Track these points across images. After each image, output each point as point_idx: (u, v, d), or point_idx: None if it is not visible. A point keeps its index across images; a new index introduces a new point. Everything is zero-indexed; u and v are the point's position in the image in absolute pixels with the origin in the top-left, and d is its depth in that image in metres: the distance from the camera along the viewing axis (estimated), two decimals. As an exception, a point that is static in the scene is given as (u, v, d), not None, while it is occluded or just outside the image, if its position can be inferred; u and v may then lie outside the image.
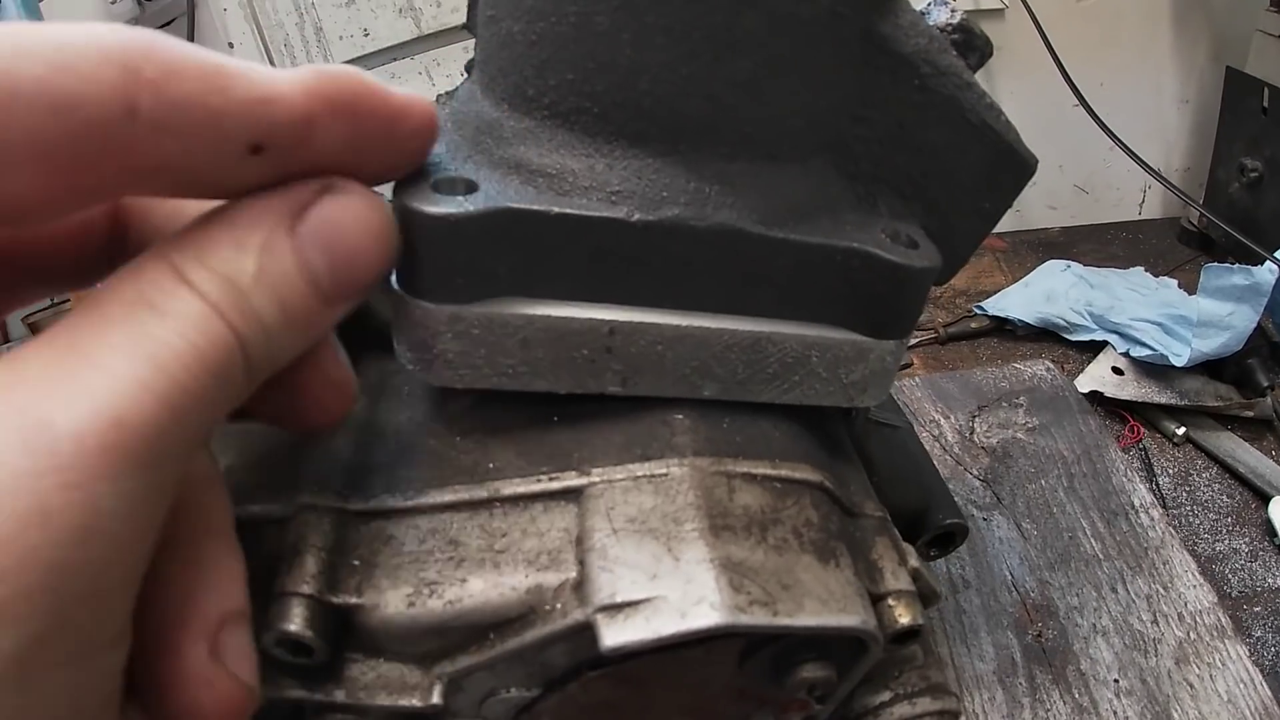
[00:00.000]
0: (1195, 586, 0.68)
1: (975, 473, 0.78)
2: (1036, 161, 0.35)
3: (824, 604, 0.28)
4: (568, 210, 0.28)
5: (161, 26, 1.27)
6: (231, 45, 1.16)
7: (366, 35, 1.13)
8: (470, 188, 0.28)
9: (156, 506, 0.21)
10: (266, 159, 0.23)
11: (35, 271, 0.27)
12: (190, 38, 1.19)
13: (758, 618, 0.27)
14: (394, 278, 0.29)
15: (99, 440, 0.19)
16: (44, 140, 0.20)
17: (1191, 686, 0.61)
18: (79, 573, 0.18)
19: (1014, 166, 0.35)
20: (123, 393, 0.20)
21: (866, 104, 0.33)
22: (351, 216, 0.25)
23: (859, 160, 0.34)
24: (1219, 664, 0.62)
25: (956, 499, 0.49)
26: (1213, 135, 1.24)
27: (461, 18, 1.12)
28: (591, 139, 0.30)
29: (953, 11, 0.36)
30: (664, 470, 0.30)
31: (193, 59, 0.21)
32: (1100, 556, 0.70)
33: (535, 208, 0.28)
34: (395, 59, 1.16)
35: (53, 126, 0.20)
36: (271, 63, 1.14)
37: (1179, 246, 1.29)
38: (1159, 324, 0.97)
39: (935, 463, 0.52)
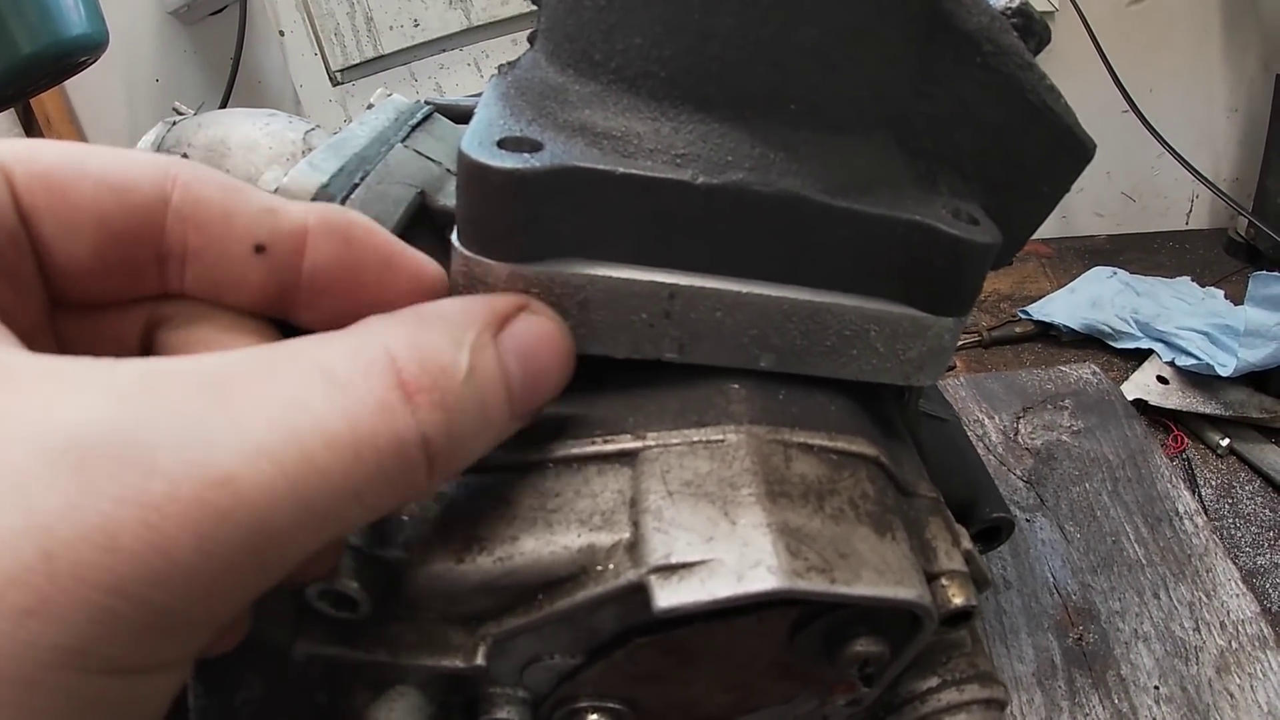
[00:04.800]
0: (1238, 595, 0.67)
1: (1019, 474, 0.77)
2: (1095, 145, 0.35)
3: (881, 575, 0.28)
4: (632, 171, 0.28)
5: (213, 14, 1.28)
6: (282, 33, 1.17)
7: (417, 26, 1.14)
8: (535, 147, 0.28)
9: (253, 575, 0.20)
10: (268, 260, 0.26)
11: None
12: (242, 24, 1.20)
13: (815, 584, 0.26)
14: (455, 234, 0.29)
15: (195, 492, 0.18)
16: (105, 212, 0.24)
17: (1232, 696, 0.60)
18: (137, 603, 0.18)
19: (1072, 149, 0.35)
20: (244, 456, 0.19)
21: (929, 80, 0.33)
22: (545, 335, 0.27)
23: (920, 137, 0.34)
24: (1260, 674, 0.61)
25: (1000, 497, 0.49)
26: (1262, 145, 1.22)
27: (512, 10, 1.14)
28: (658, 103, 0.30)
29: (1011, -3, 0.35)
30: (720, 436, 0.30)
31: (218, 175, 0.26)
32: (1143, 562, 0.69)
33: (600, 167, 0.28)
34: (444, 50, 1.17)
35: (109, 202, 0.24)
36: (321, 51, 1.15)
37: (1226, 257, 1.27)
38: (1205, 333, 0.95)
39: (979, 460, 0.52)
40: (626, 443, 0.30)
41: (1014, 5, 0.35)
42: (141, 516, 0.18)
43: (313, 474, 0.20)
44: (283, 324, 0.28)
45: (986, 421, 0.84)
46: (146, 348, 0.27)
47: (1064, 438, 0.82)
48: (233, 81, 1.24)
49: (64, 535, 0.17)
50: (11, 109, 1.17)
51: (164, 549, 0.18)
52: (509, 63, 0.34)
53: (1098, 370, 0.92)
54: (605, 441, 0.30)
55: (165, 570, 0.18)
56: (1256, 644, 0.63)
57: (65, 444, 0.18)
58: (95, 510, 0.17)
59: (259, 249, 0.26)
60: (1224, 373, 0.89)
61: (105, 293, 0.26)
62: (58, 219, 0.24)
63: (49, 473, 0.18)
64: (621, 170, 0.28)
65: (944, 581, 0.32)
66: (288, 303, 0.27)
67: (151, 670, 0.19)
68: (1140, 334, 1.00)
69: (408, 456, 0.22)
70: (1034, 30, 0.35)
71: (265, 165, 0.41)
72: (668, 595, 0.26)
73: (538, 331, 0.27)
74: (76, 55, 0.84)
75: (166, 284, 0.27)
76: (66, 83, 0.99)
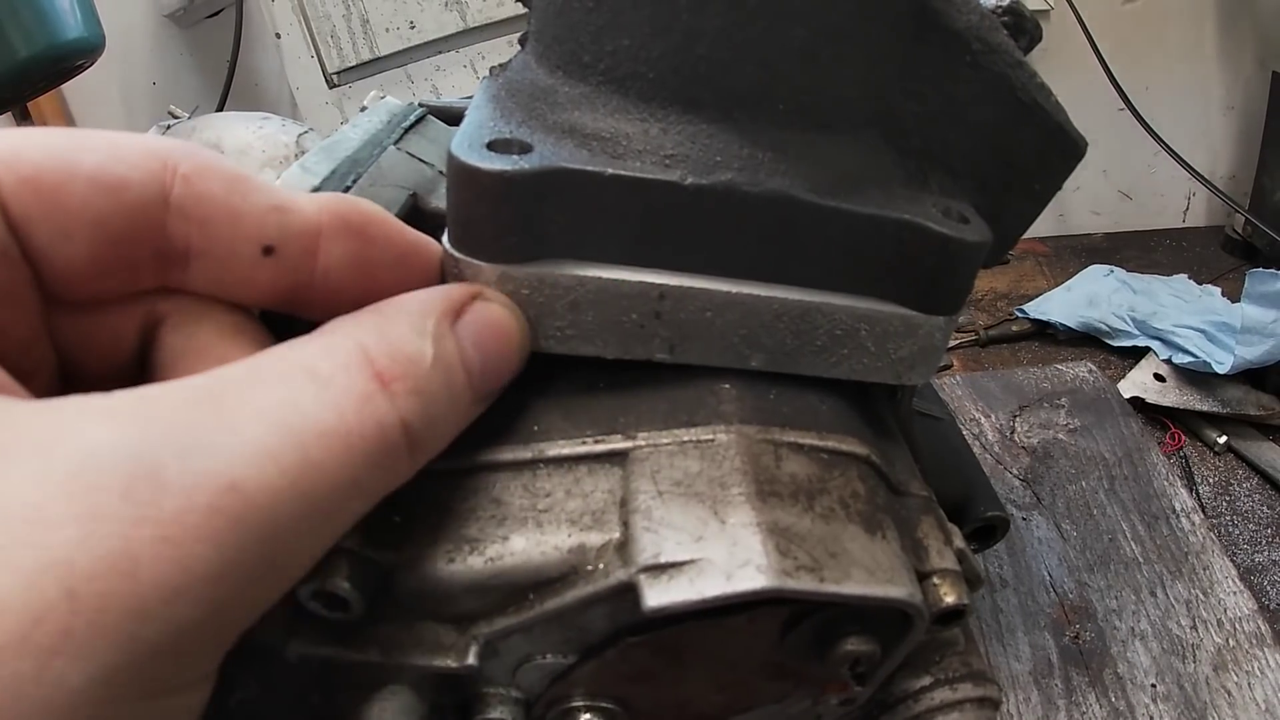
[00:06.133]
0: (1235, 593, 0.67)
1: (1015, 472, 0.77)
2: (1086, 143, 0.35)
3: (871, 574, 0.28)
4: (621, 172, 0.28)
5: (210, 16, 1.28)
6: (279, 36, 1.17)
7: (413, 28, 1.14)
8: (525, 149, 0.28)
9: (267, 579, 0.21)
10: (277, 262, 0.26)
11: (67, 369, 0.26)
12: (238, 27, 1.20)
13: (804, 583, 0.26)
14: (445, 236, 0.29)
15: (208, 501, 0.18)
16: (97, 214, 0.23)
17: (1229, 694, 0.60)
18: (160, 625, 0.18)
19: (1064, 147, 0.35)
20: (246, 459, 0.19)
21: (918, 79, 0.33)
22: (498, 321, 0.28)
23: (910, 136, 0.34)
24: (1258, 672, 0.61)
25: (996, 495, 0.49)
26: (1258, 142, 1.22)
27: (508, 11, 1.13)
28: (646, 104, 0.30)
29: (1002, -6, 0.35)
30: (710, 436, 0.30)
31: (223, 166, 0.25)
32: (1140, 560, 0.69)
33: (589, 168, 0.28)
34: (440, 52, 1.17)
35: (104, 203, 0.23)
36: (317, 53, 1.15)
37: (1223, 255, 1.27)
38: (1202, 330, 0.96)
39: (975, 458, 0.51)
40: (617, 443, 0.30)
41: (1004, 3, 0.35)
42: (159, 534, 0.18)
43: (310, 469, 0.20)
44: (285, 319, 0.28)
45: (983, 420, 0.84)
46: (145, 346, 0.27)
47: (1060, 436, 0.82)
48: (229, 84, 1.24)
49: (85, 568, 0.17)
50: (8, 112, 1.17)
51: (184, 564, 0.18)
52: (500, 65, 0.34)
53: (1094, 368, 0.92)
54: (596, 442, 0.30)
55: (186, 586, 0.18)
56: (1254, 641, 0.63)
57: (71, 470, 0.18)
58: (113, 535, 0.17)
59: (267, 251, 0.25)
60: (1221, 370, 0.89)
61: (102, 292, 0.25)
62: (50, 226, 0.23)
63: (60, 503, 0.17)
64: (610, 171, 0.28)
65: (936, 580, 0.32)
66: (300, 301, 0.27)
67: (179, 689, 0.20)
68: (1137, 332, 1.01)
69: (392, 442, 0.22)
70: (1024, 28, 0.35)
71: (258, 169, 0.41)
72: (657, 595, 0.26)
73: (490, 317, 0.28)
74: (73, 59, 0.84)
75: (167, 279, 0.26)
76: (63, 86, 0.99)
